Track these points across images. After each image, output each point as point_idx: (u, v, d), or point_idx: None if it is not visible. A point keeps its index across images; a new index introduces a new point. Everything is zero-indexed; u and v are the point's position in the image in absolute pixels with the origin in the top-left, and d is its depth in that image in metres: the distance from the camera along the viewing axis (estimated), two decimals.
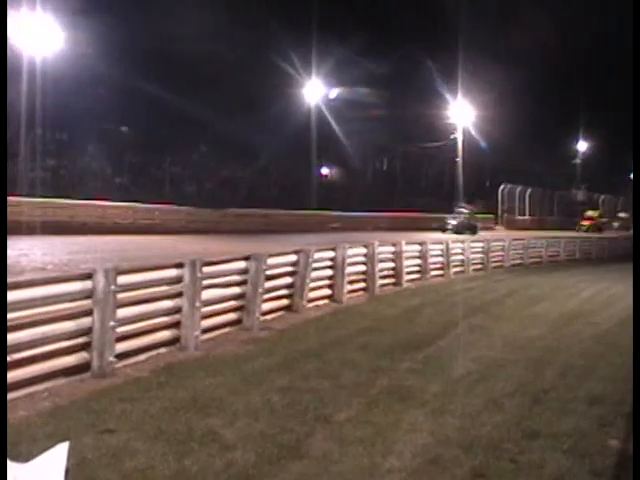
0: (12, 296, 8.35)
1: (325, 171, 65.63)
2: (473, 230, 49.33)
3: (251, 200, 44.52)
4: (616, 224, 73.30)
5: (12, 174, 33.71)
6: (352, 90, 56.30)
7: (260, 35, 51.65)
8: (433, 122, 62.06)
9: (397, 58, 56.03)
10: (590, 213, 72.23)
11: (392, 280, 21.09)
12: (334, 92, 56.93)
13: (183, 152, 51.01)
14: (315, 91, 54.90)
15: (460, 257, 26.39)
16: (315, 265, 16.37)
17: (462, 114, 62.54)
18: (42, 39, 34.40)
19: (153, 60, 45.90)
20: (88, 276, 9.51)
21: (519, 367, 11.30)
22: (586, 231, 62.05)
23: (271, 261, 14.42)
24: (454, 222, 52.60)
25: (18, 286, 8.71)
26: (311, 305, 16.18)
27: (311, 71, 54.26)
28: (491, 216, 62.62)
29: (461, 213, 55.06)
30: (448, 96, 61.34)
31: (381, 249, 20.32)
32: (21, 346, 8.53)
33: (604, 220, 72.31)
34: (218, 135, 51.09)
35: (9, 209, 28.73)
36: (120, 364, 9.94)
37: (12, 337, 8.36)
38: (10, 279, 8.37)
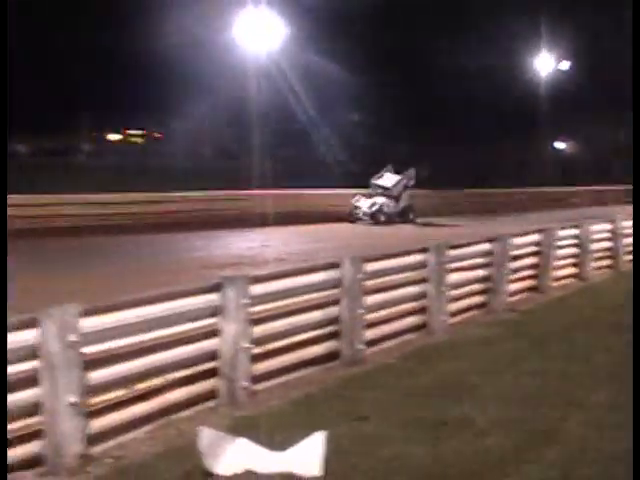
0: (267, 288, 8.66)
1: (560, 145, 63.88)
2: (404, 215, 32.78)
3: (489, 179, 44.05)
4: None
5: (247, 168, 34.83)
6: (584, 60, 54.19)
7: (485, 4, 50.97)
8: None
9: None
10: None
11: None
12: (565, 64, 55.31)
13: (415, 136, 50.95)
14: (546, 63, 53.74)
15: None
16: (559, 243, 16.08)
17: None
18: (268, 34, 35.28)
19: (375, 48, 46.32)
20: (335, 265, 9.71)
21: None
22: None
23: (515, 241, 14.30)
24: (367, 205, 32.43)
25: (272, 277, 9.03)
26: (557, 284, 15.85)
27: (540, 43, 53.13)
28: None
29: (383, 189, 33.22)
30: None
31: (626, 224, 19.65)
32: (277, 335, 8.79)
33: None
34: (446, 114, 50.83)
35: (249, 203, 29.98)
36: (368, 351, 10.06)
37: (266, 327, 8.63)
38: (268, 271, 8.57)
